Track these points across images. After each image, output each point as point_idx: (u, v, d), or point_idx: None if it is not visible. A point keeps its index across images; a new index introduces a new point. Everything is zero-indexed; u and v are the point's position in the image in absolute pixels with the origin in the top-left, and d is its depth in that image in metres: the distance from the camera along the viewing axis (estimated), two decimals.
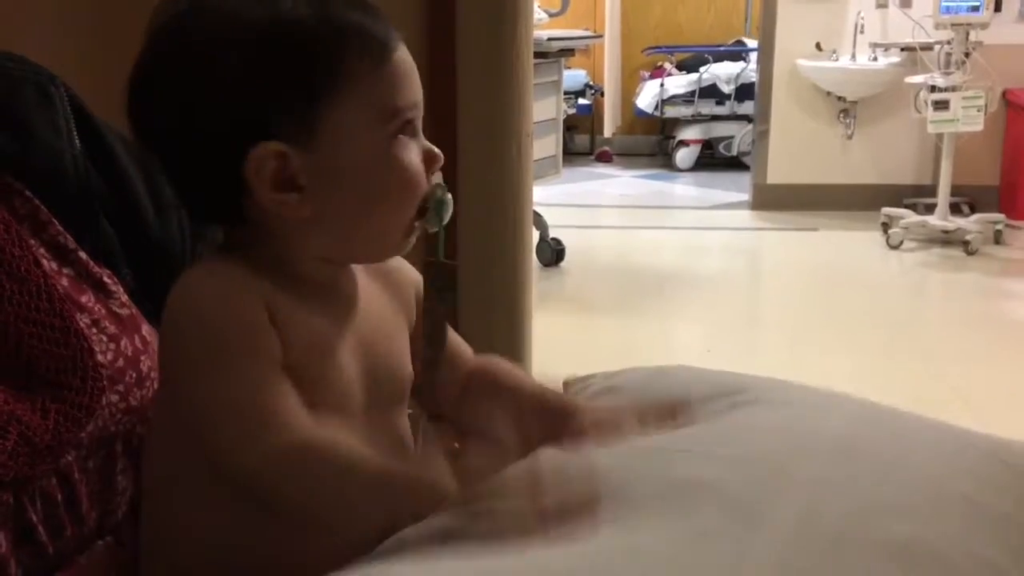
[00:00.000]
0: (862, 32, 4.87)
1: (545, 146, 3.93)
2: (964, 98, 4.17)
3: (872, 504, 0.60)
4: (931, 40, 4.42)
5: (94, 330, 0.74)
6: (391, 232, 0.71)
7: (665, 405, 0.79)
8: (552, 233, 4.13)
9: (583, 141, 6.87)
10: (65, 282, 0.75)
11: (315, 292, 0.71)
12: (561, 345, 3.33)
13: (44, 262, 0.74)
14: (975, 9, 4.15)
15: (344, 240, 0.70)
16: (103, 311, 0.76)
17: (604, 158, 6.71)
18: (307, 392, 0.67)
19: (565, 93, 4.97)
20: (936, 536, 0.58)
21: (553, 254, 4.11)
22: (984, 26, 4.19)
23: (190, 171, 0.68)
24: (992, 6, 4.15)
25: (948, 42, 4.28)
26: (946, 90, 4.20)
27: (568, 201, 5.40)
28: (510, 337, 1.45)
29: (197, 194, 0.70)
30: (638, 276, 4.21)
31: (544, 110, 3.83)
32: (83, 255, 0.77)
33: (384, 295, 0.77)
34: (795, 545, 0.55)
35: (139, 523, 0.75)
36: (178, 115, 0.66)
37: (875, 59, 4.86)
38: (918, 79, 4.35)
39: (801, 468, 0.62)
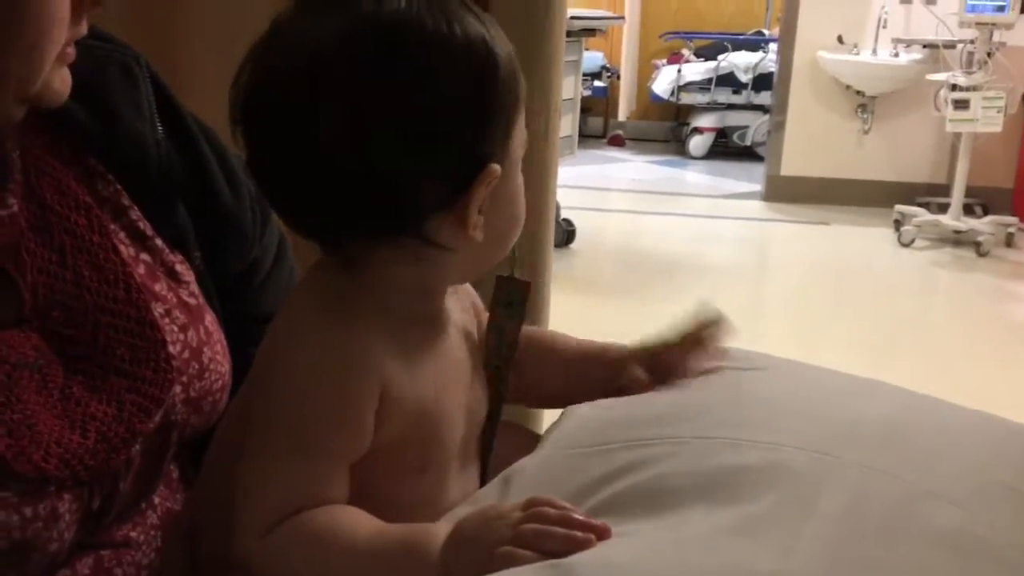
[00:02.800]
0: (885, 27, 4.84)
1: (561, 126, 3.91)
2: (984, 98, 4.15)
3: (919, 492, 0.59)
4: (954, 38, 4.40)
5: (166, 320, 0.74)
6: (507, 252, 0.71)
7: (698, 325, 0.80)
8: (563, 214, 4.12)
9: (596, 124, 6.85)
10: (142, 269, 0.74)
11: (431, 333, 0.70)
12: (567, 326, 3.30)
13: (122, 248, 0.73)
14: (1001, 9, 4.12)
15: (478, 265, 0.70)
16: (175, 299, 0.76)
17: (617, 142, 6.70)
18: (421, 455, 0.68)
19: (582, 75, 4.95)
20: (983, 525, 0.57)
21: (563, 235, 4.10)
22: (1009, 27, 4.16)
23: (376, 177, 0.62)
24: (1018, 7, 4.13)
25: (971, 41, 4.26)
26: (967, 89, 4.19)
27: (580, 183, 5.39)
28: (530, 311, 1.45)
29: (365, 202, 0.63)
30: (647, 261, 4.21)
31: (562, 89, 3.80)
32: (159, 242, 0.77)
33: (462, 313, 0.76)
34: (845, 532, 0.54)
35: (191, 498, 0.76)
36: (383, 123, 0.61)
37: (896, 55, 4.83)
38: (939, 77, 4.33)
39: (846, 454, 0.61)
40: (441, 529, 0.60)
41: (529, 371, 0.81)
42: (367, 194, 0.62)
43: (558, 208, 4.06)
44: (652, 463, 0.61)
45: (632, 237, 4.72)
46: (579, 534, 0.56)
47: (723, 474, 0.59)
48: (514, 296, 0.75)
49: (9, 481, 0.62)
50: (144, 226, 0.76)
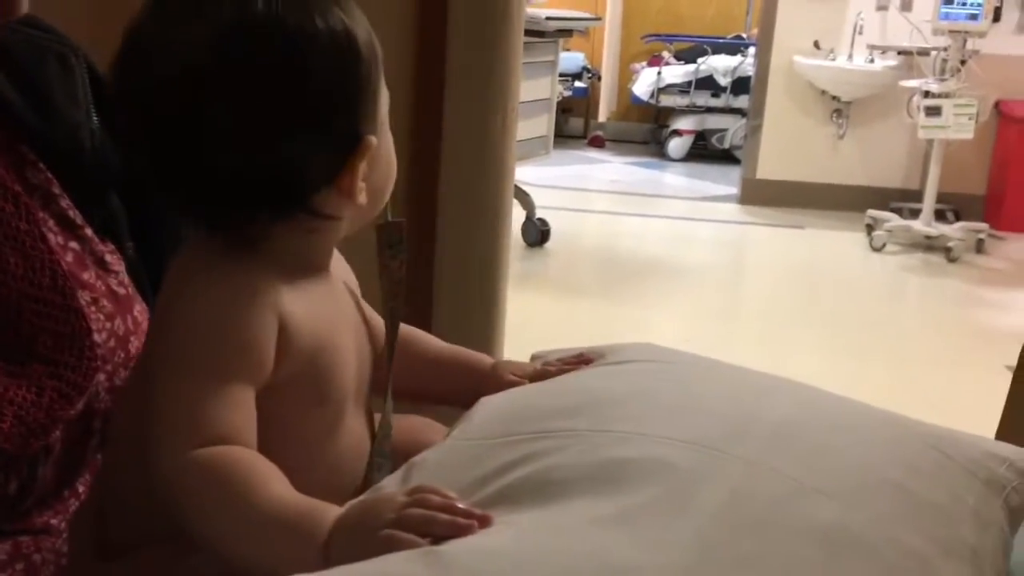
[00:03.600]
0: (861, 33, 4.87)
1: (536, 126, 3.93)
2: (956, 105, 4.18)
3: (800, 489, 0.60)
4: (928, 45, 4.43)
5: (93, 308, 0.75)
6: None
7: (577, 355, 0.84)
8: (539, 213, 4.13)
9: (577, 124, 6.86)
10: (70, 257, 0.76)
11: (320, 281, 0.73)
12: (539, 325, 3.34)
13: (51, 236, 0.75)
14: (974, 17, 4.16)
15: (363, 219, 0.74)
16: (103, 288, 0.77)
17: (596, 143, 6.71)
18: (320, 388, 0.70)
19: (562, 75, 4.96)
20: (861, 522, 0.58)
21: (538, 234, 4.11)
22: (982, 35, 4.20)
23: (264, 170, 0.65)
24: (991, 16, 4.16)
25: (945, 49, 4.29)
26: (940, 96, 4.22)
27: (558, 183, 5.40)
28: (483, 307, 1.46)
29: (256, 192, 0.66)
30: (622, 262, 4.23)
31: (538, 90, 3.82)
32: (89, 231, 0.79)
33: (343, 272, 0.79)
34: (719, 526, 0.56)
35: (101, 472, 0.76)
36: (263, 121, 0.64)
37: (872, 61, 4.87)
38: (913, 83, 4.36)
39: (732, 450, 0.63)
40: (335, 511, 0.61)
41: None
42: (256, 185, 0.65)
43: (533, 207, 4.08)
44: (545, 455, 0.63)
45: (609, 238, 4.74)
46: (462, 520, 0.57)
47: (609, 467, 0.60)
48: (394, 237, 0.79)
49: None
50: (74, 215, 0.78)
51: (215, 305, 0.66)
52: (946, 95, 4.21)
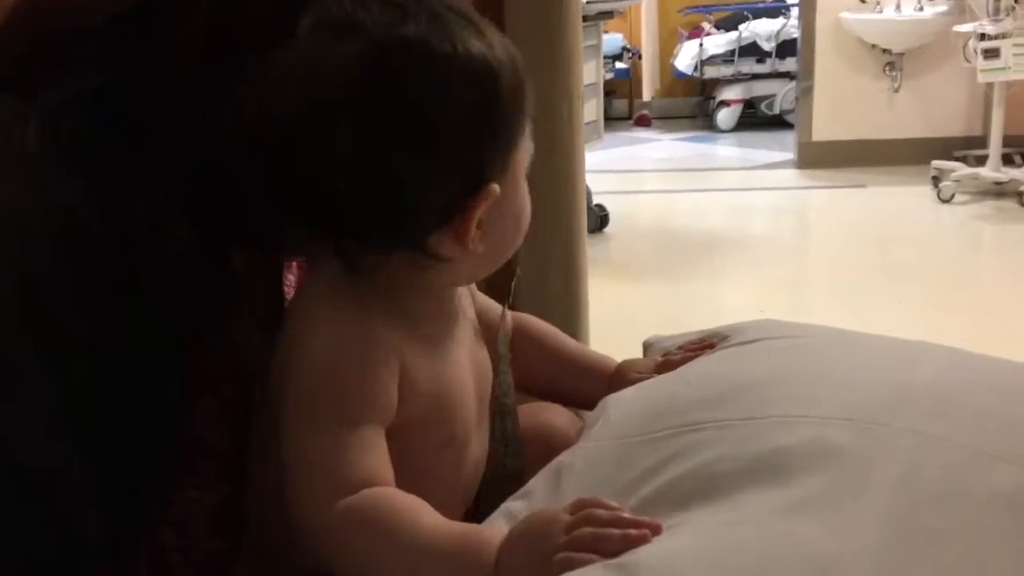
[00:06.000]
0: None
1: (587, 112, 3.90)
2: (1015, 45, 4.05)
3: (973, 455, 0.58)
4: None
5: None
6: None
7: (698, 340, 0.82)
8: (595, 199, 4.10)
9: (621, 106, 6.80)
10: None
11: (442, 321, 0.72)
12: (610, 310, 3.31)
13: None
14: None
15: (482, 271, 0.72)
16: None
17: (643, 122, 6.65)
18: (444, 431, 0.70)
19: (604, 57, 4.91)
20: None
21: (597, 220, 4.08)
22: None
23: (379, 195, 0.64)
24: None
25: None
26: (996, 37, 4.09)
27: (609, 167, 5.36)
28: (565, 303, 1.44)
29: (369, 219, 0.65)
30: (684, 239, 4.18)
31: (585, 75, 3.79)
32: None
33: (464, 297, 0.79)
34: (902, 502, 0.54)
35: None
36: (384, 143, 0.62)
37: (921, 9, 4.74)
38: (967, 27, 4.24)
39: (896, 422, 0.60)
40: (495, 533, 0.60)
41: (518, 360, 0.83)
42: (370, 211, 0.64)
43: (590, 194, 4.04)
44: (700, 449, 0.61)
45: (667, 216, 4.69)
46: (634, 531, 0.56)
47: (773, 455, 0.58)
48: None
49: None
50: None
51: (340, 344, 0.65)
52: (1003, 35, 4.08)
